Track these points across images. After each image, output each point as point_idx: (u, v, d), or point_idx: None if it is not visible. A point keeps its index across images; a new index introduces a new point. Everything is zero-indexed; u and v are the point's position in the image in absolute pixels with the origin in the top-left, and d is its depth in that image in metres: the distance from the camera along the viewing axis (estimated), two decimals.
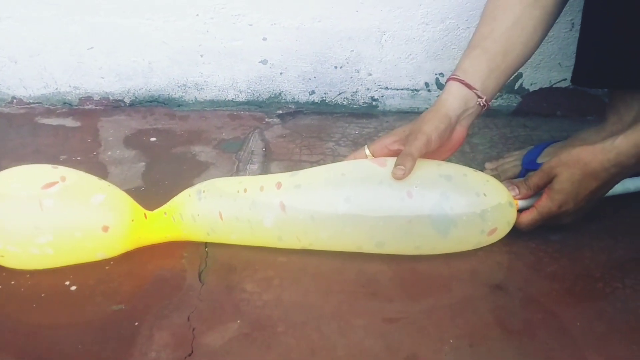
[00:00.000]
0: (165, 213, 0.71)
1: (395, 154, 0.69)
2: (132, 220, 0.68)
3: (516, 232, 0.73)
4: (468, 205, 0.67)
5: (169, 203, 0.72)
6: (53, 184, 0.65)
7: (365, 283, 0.66)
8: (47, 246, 0.64)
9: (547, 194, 0.69)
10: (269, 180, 0.70)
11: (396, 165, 0.65)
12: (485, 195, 0.67)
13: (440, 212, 0.66)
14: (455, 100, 0.71)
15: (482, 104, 0.73)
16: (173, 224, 0.70)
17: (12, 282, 0.65)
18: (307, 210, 0.66)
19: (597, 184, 0.67)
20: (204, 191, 0.70)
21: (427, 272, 0.68)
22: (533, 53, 0.77)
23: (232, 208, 0.68)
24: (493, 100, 1.10)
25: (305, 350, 0.57)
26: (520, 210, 0.71)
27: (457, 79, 0.72)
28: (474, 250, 0.71)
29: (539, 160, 0.86)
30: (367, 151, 0.72)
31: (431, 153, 0.69)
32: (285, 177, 0.70)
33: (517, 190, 0.71)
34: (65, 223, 0.64)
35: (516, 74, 1.07)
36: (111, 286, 0.65)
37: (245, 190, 0.69)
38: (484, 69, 0.72)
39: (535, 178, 0.71)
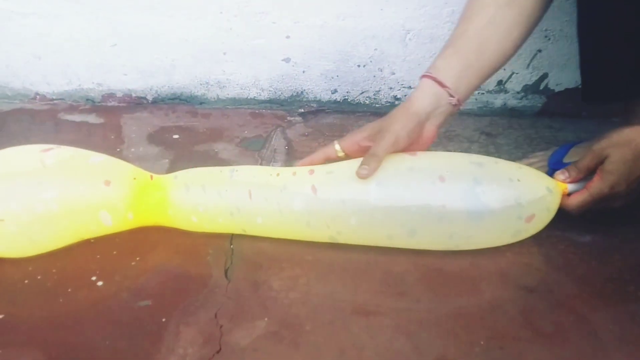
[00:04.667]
0: (175, 177, 0.71)
1: (366, 150, 0.68)
2: (135, 179, 0.69)
3: (544, 234, 0.72)
4: (501, 190, 0.66)
5: (185, 170, 0.72)
6: (50, 148, 0.69)
7: (392, 283, 0.66)
8: (52, 201, 0.64)
9: (599, 175, 0.68)
10: (302, 168, 0.70)
11: (361, 164, 0.65)
12: (519, 180, 0.67)
13: (473, 196, 0.65)
14: (426, 98, 0.70)
15: (453, 103, 0.71)
16: (184, 193, 0.69)
17: (39, 277, 0.65)
18: (338, 194, 0.66)
19: None
20: (237, 170, 0.71)
21: (454, 273, 0.68)
22: (512, 54, 0.75)
23: (263, 188, 0.68)
24: (517, 101, 1.09)
25: (334, 350, 0.56)
26: (570, 194, 0.70)
27: (429, 76, 0.71)
28: (502, 251, 0.70)
29: (565, 160, 0.85)
30: (337, 147, 0.71)
31: (400, 151, 0.69)
32: (318, 167, 0.70)
33: (566, 174, 0.71)
34: (68, 178, 0.66)
35: (546, 71, 1.07)
36: (137, 282, 0.65)
37: (277, 174, 0.69)
38: (456, 66, 0.71)
39: (585, 160, 0.69)
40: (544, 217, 0.69)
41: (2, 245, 0.65)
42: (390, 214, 0.66)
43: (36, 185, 0.65)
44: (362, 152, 0.69)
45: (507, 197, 0.66)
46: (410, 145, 0.70)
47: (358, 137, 0.70)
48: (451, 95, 0.70)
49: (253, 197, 0.68)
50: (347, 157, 0.72)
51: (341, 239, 0.69)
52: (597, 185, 0.68)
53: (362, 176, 0.65)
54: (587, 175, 0.70)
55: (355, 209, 0.66)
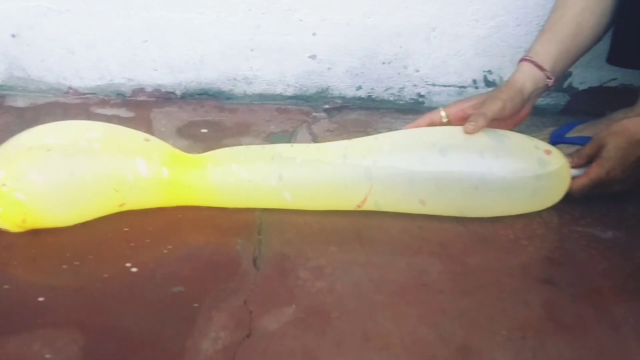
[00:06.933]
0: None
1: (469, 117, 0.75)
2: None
3: (566, 230, 0.73)
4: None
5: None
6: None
7: (416, 274, 0.67)
8: (95, 141, 0.71)
9: (597, 162, 0.73)
10: None
11: (469, 120, 0.72)
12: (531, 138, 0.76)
13: (492, 130, 0.74)
14: (528, 80, 0.77)
15: (550, 85, 0.78)
16: (227, 150, 0.76)
17: (76, 263, 0.68)
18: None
19: None
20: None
21: (477, 266, 0.69)
22: (603, 36, 0.81)
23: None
24: (541, 99, 1.09)
25: (360, 337, 0.58)
26: (573, 179, 0.75)
27: (529, 60, 0.77)
28: (524, 245, 0.72)
29: (567, 135, 0.89)
30: (443, 113, 0.77)
31: (498, 122, 0.75)
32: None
33: (569, 159, 0.76)
34: (113, 129, 0.75)
35: (570, 70, 1.08)
36: (170, 269, 0.67)
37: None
38: (554, 51, 0.78)
39: (586, 148, 0.75)
40: (560, 159, 0.74)
41: (46, 178, 0.68)
42: (422, 134, 0.74)
43: (85, 129, 0.73)
44: (466, 119, 0.74)
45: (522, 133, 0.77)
46: (509, 119, 0.77)
47: (465, 104, 0.76)
48: (548, 77, 0.77)
49: (295, 146, 0.77)
50: (450, 123, 0.77)
51: (375, 170, 0.72)
52: (596, 170, 0.73)
53: (468, 131, 0.72)
54: (587, 161, 0.75)
55: (387, 138, 0.74)
